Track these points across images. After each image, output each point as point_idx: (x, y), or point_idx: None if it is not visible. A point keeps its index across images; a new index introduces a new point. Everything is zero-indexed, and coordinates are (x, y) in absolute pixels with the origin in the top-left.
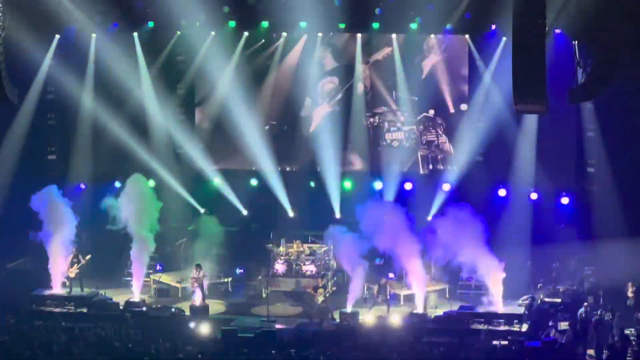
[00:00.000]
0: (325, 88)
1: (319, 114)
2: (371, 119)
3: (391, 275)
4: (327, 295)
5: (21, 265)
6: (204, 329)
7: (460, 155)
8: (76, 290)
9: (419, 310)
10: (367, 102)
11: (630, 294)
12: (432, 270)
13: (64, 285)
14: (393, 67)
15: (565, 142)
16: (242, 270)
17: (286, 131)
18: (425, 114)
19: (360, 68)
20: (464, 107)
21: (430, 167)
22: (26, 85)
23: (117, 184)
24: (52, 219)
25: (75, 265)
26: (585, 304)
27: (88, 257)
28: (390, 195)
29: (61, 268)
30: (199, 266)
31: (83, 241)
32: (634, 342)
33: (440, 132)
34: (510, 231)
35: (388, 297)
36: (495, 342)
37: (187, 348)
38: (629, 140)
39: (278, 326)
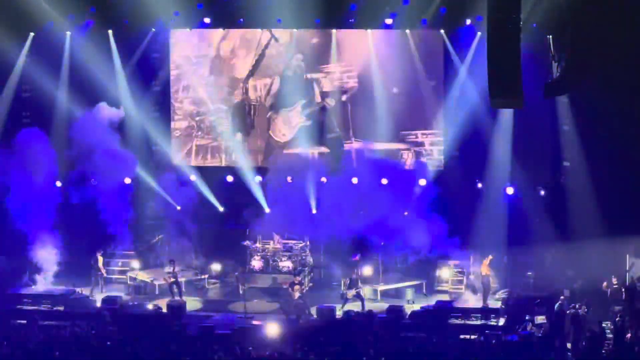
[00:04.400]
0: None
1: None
2: None
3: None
4: (304, 291)
5: None
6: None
7: (435, 150)
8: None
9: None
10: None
11: (610, 287)
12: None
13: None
14: None
15: (541, 137)
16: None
17: None
18: None
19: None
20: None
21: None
22: (1, 84)
23: (94, 182)
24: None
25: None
26: (562, 297)
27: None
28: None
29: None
30: (172, 261)
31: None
32: (609, 335)
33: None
34: (486, 226)
35: (360, 291)
36: (472, 337)
37: (167, 345)
38: (604, 134)
39: (255, 322)
